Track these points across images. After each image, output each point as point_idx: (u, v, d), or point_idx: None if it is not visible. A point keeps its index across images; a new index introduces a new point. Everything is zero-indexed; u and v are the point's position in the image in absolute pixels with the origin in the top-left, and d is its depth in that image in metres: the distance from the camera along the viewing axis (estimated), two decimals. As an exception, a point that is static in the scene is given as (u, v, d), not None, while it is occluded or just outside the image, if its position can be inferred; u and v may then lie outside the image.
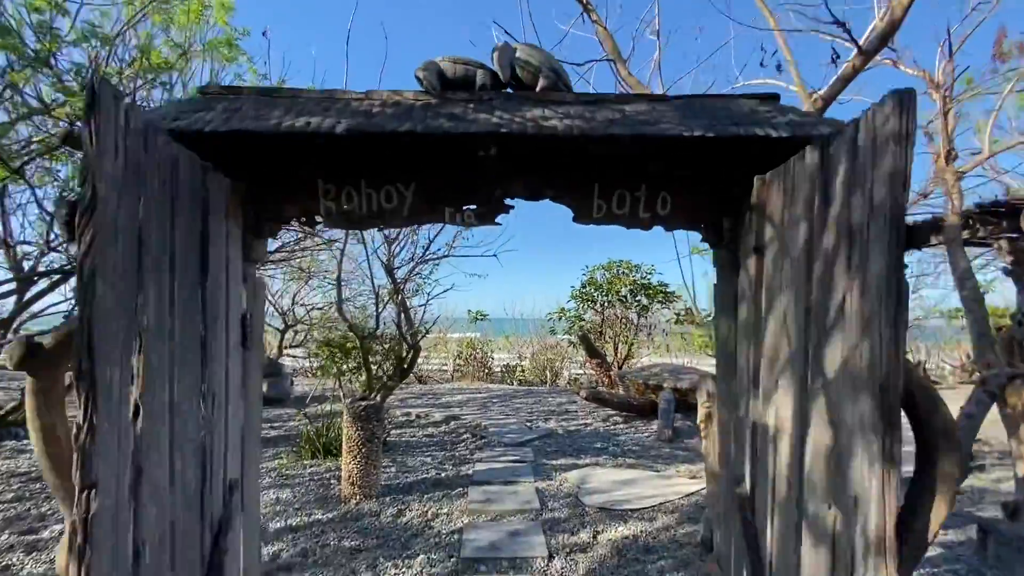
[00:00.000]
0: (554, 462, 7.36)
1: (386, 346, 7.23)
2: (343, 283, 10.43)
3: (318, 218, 2.88)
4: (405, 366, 7.60)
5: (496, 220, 2.92)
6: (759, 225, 2.45)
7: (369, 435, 6.21)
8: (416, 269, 7.42)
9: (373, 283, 7.07)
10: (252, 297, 2.87)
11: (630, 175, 2.82)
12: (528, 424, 9.39)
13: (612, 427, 9.27)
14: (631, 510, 5.94)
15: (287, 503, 6.17)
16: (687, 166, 2.74)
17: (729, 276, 2.84)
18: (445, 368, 17.48)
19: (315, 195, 2.85)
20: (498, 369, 16.76)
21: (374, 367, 7.46)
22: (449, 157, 2.75)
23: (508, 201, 2.93)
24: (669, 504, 6.10)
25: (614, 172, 2.83)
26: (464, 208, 2.90)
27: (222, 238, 2.47)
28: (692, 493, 6.42)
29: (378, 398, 6.89)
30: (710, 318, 12.85)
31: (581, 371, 16.84)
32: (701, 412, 4.89)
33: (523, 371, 16.50)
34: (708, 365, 15.06)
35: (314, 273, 12.31)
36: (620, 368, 12.63)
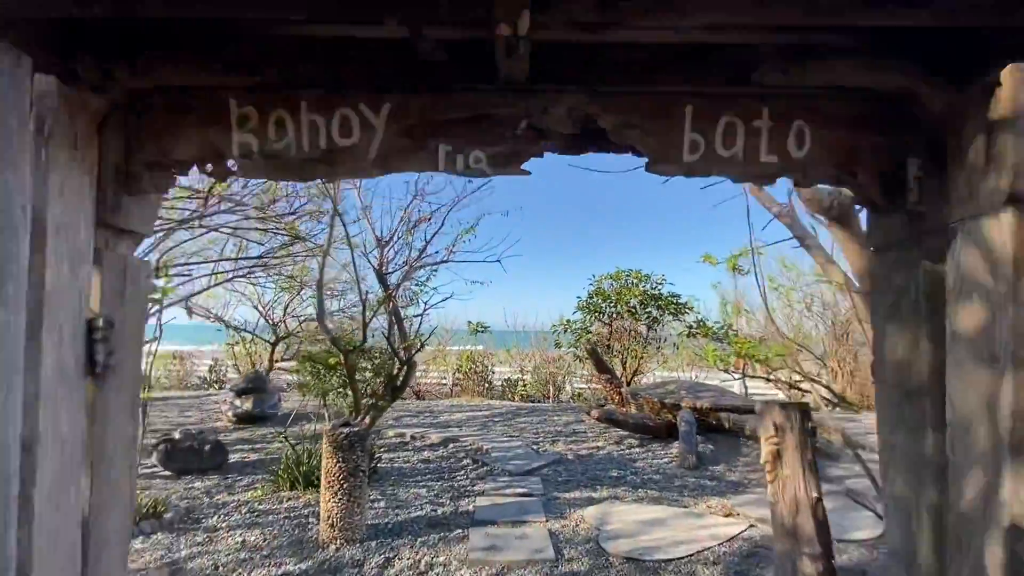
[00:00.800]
0: (567, 495, 6.09)
1: (376, 362, 6.00)
2: (337, 292, 9.24)
3: (231, 162, 1.67)
4: (398, 384, 6.37)
5: (522, 167, 1.71)
6: (1021, 155, 1.26)
7: (352, 468, 4.94)
8: (411, 275, 6.21)
9: (360, 289, 5.85)
10: (118, 291, 1.64)
11: (745, 94, 1.63)
12: (534, 447, 8.11)
13: (627, 451, 8.00)
14: (664, 561, 4.67)
15: (254, 548, 4.89)
16: (840, 73, 1.53)
17: (907, 260, 1.63)
18: (444, 381, 16.23)
19: (225, 123, 1.64)
20: (499, 383, 15.51)
21: (362, 385, 6.23)
22: (446, 60, 1.55)
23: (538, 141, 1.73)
24: (708, 553, 4.83)
25: (719, 89, 1.63)
26: (471, 149, 1.69)
27: (24, 176, 1.25)
28: (732, 537, 5.15)
29: (365, 422, 5.64)
30: (724, 330, 11.65)
31: (585, 385, 15.58)
32: (766, 449, 3.67)
33: (525, 385, 15.25)
34: (720, 380, 13.82)
35: (307, 282, 11.11)
36: (629, 384, 11.40)
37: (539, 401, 14.58)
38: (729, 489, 6.41)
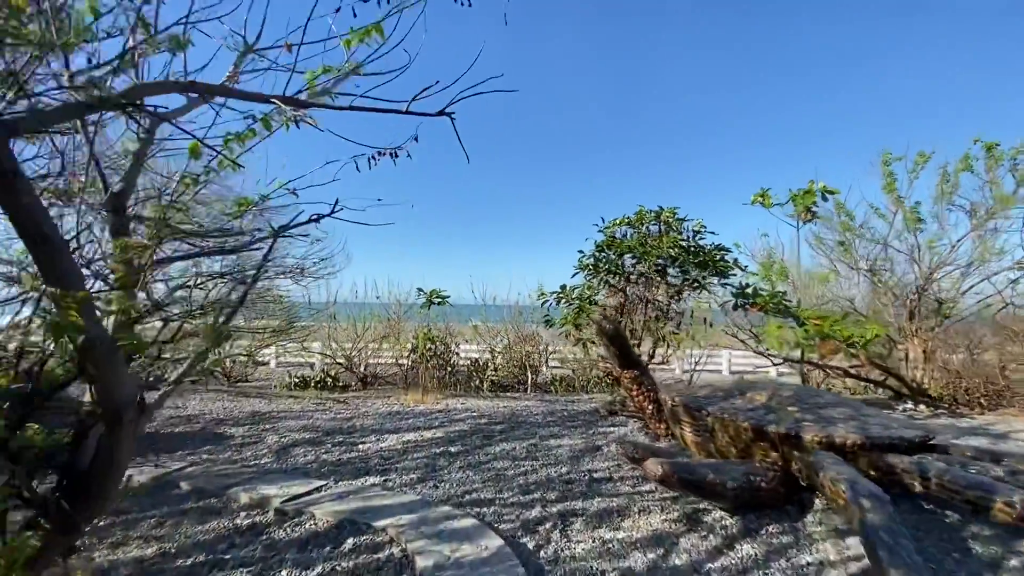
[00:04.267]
0: None
1: None
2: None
3: None
4: (73, 487, 1.31)
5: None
6: None
7: None
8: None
9: None
10: None
11: None
12: (528, 544, 3.17)
13: (731, 563, 3.12)
14: None
15: None
16: None
17: None
18: (402, 363, 11.11)
19: None
20: (464, 364, 10.54)
21: None
22: None
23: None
24: None
25: None
26: None
27: None
28: None
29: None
30: (779, 300, 6.86)
31: (563, 367, 10.76)
32: None
33: (495, 369, 10.31)
34: (755, 366, 9.13)
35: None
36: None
37: (513, 389, 9.71)
38: None
